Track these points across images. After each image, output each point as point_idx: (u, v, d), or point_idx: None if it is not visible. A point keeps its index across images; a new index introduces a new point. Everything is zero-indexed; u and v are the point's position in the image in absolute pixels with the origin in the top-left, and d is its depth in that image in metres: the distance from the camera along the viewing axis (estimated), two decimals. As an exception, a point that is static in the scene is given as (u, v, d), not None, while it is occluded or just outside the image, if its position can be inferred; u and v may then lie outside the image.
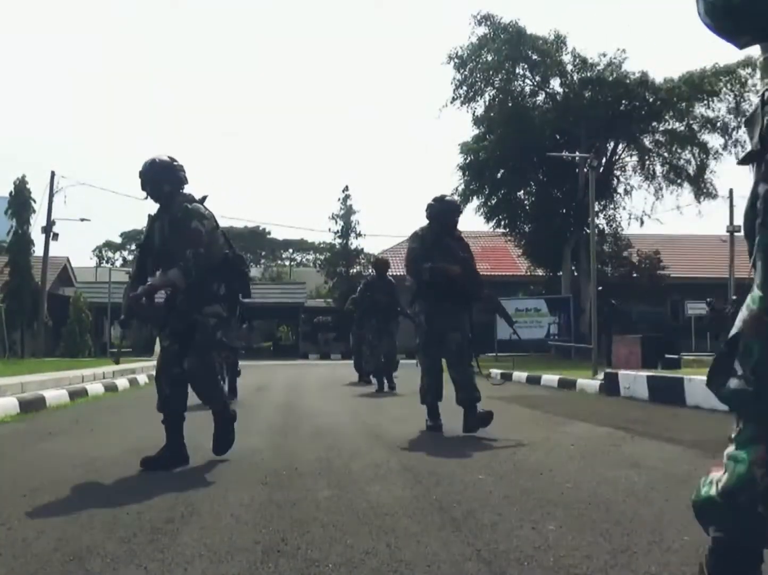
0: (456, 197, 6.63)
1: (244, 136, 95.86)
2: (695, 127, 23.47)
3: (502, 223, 25.49)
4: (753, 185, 1.63)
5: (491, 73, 23.48)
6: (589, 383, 10.02)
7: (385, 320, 10.29)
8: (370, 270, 33.45)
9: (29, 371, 11.24)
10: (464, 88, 23.78)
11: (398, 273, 21.13)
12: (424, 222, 5.83)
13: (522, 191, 25.44)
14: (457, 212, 5.82)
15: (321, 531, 2.60)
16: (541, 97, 24.80)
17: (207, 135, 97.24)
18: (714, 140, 23.47)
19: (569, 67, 23.56)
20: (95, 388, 9.79)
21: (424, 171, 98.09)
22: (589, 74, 23.21)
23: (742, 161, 1.66)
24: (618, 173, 25.18)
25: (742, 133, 22.81)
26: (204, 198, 4.38)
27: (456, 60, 23.53)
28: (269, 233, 58.50)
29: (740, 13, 1.51)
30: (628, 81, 22.64)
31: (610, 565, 2.19)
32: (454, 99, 23.88)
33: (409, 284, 5.77)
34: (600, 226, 24.44)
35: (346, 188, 35.32)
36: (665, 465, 3.94)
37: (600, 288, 17.49)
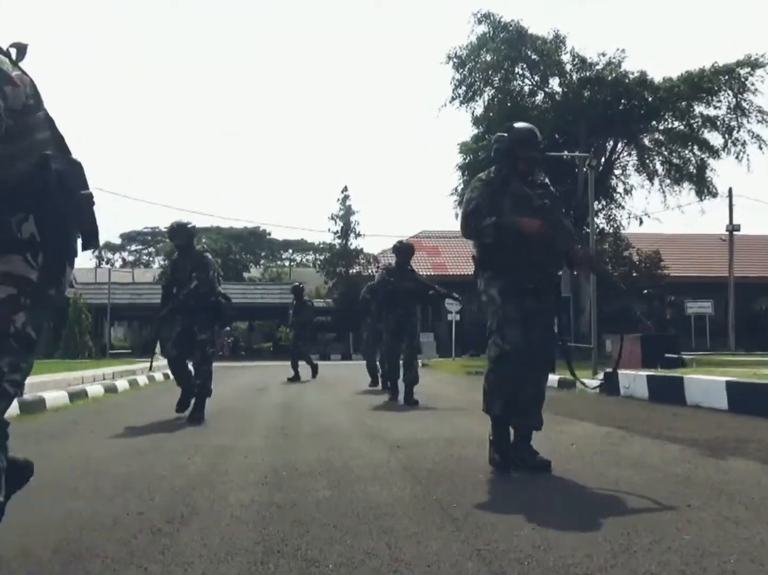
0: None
1: (244, 137, 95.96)
2: (695, 126, 23.48)
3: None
4: None
5: (490, 72, 23.48)
6: (589, 382, 10.00)
7: (407, 314, 8.50)
8: (372, 271, 33.56)
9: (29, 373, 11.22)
10: (463, 88, 23.79)
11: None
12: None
13: (521, 191, 25.41)
14: (534, 144, 4.01)
15: (321, 532, 2.60)
16: (540, 97, 24.80)
17: (207, 135, 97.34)
18: (714, 139, 23.49)
19: (568, 67, 23.57)
20: (95, 389, 9.78)
21: (424, 171, 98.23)
22: (588, 74, 23.22)
23: None
24: (618, 172, 25.20)
25: (743, 133, 22.86)
26: (22, 51, 2.21)
27: (455, 60, 23.55)
28: (269, 233, 58.58)
29: None
30: (627, 80, 22.65)
31: (610, 565, 2.19)
32: (453, 99, 23.91)
33: (473, 250, 4.13)
34: (600, 225, 24.46)
35: (346, 189, 35.41)
36: (665, 465, 3.94)
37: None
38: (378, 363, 10.63)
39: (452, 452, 4.45)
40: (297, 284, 15.27)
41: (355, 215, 35.26)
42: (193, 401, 6.67)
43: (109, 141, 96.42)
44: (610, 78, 22.67)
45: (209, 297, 6.65)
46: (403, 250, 8.74)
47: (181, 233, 6.80)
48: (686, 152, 24.16)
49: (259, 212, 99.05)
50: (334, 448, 4.65)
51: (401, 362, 8.43)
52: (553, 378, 11.24)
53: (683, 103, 22.86)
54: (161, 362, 17.97)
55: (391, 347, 8.62)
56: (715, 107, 22.86)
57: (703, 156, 23.77)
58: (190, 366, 6.89)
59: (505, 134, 4.06)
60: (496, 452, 3.85)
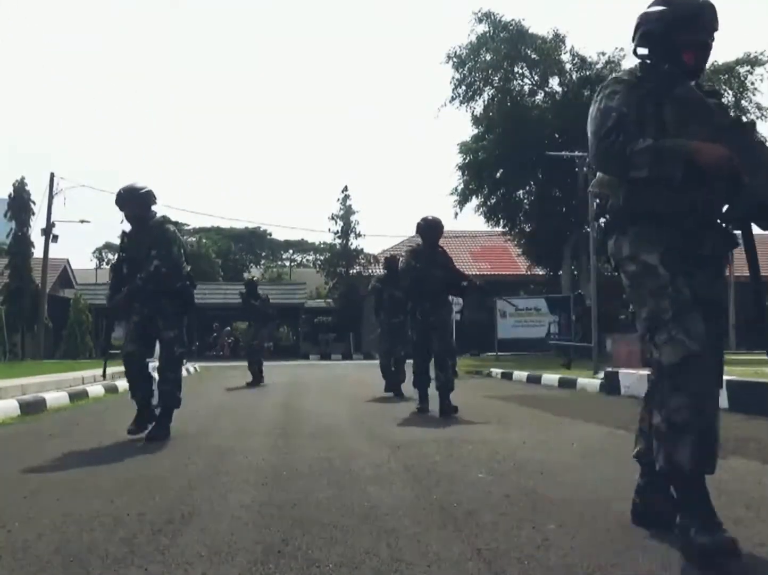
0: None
1: (244, 136, 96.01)
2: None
3: (501, 222, 25.52)
4: None
5: (490, 72, 23.53)
6: (589, 382, 10.01)
7: (437, 305, 6.90)
8: (371, 271, 33.49)
9: (30, 374, 11.24)
10: (463, 87, 23.84)
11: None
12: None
13: (521, 190, 25.46)
14: (708, 25, 2.52)
15: (321, 532, 2.60)
16: (539, 96, 24.84)
17: (207, 135, 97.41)
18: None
19: (568, 66, 23.62)
20: (96, 390, 9.78)
21: (424, 171, 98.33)
22: (587, 73, 23.27)
23: None
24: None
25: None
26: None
27: (455, 59, 23.60)
28: (270, 233, 58.62)
29: None
30: (627, 80, 22.69)
31: (611, 564, 2.19)
32: (453, 99, 23.97)
33: (597, 189, 2.66)
34: (601, 225, 24.45)
35: (346, 189, 35.44)
36: (666, 464, 3.93)
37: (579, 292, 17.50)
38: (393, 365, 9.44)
39: (453, 452, 4.44)
40: (251, 277, 14.44)
41: (355, 215, 35.32)
42: (156, 417, 5.28)
43: (108, 141, 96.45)
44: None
45: (174, 282, 5.24)
46: (430, 228, 7.04)
47: (131, 199, 5.27)
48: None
49: (260, 212, 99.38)
50: (334, 448, 4.64)
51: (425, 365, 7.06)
52: (553, 378, 11.24)
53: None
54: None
55: (420, 344, 6.99)
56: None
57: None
58: (153, 372, 5.50)
59: (661, 7, 2.52)
60: (707, 532, 2.16)
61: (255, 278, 13.57)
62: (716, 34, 2.54)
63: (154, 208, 5.47)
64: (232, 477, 3.72)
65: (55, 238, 26.46)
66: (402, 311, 8.47)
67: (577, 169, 23.47)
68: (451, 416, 6.42)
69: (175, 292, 5.27)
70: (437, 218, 7.18)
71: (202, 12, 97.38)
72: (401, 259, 7.40)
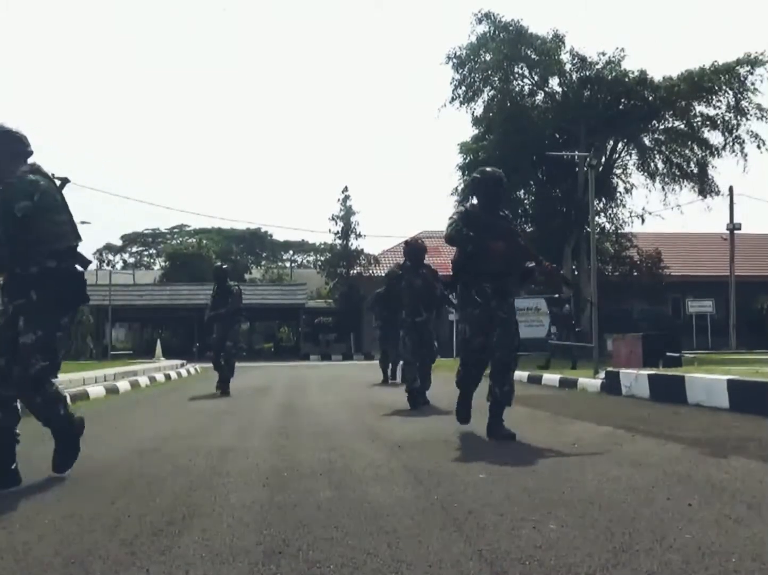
0: None
1: (245, 137, 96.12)
2: (695, 125, 23.50)
3: (502, 222, 25.49)
4: None
5: (490, 72, 23.51)
6: (590, 382, 10.00)
7: (501, 293, 5.08)
8: (372, 271, 33.49)
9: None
10: (463, 88, 23.84)
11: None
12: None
13: (522, 191, 25.44)
14: None
15: (322, 532, 2.60)
16: (539, 97, 24.84)
17: (207, 136, 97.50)
18: (714, 138, 23.53)
19: (568, 66, 23.60)
20: (96, 390, 9.79)
21: (424, 171, 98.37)
22: (587, 73, 23.26)
23: None
24: (618, 171, 25.21)
25: (742, 131, 22.86)
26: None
27: (455, 60, 23.59)
28: (270, 234, 58.71)
29: None
30: (627, 80, 22.69)
31: (611, 564, 2.19)
32: (453, 99, 23.96)
33: None
34: (601, 225, 24.48)
35: (346, 189, 35.47)
36: (667, 464, 3.93)
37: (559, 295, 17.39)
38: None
39: (453, 452, 4.44)
40: (219, 264, 11.92)
41: (355, 216, 35.40)
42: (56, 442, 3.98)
43: (108, 142, 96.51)
44: (609, 77, 22.71)
45: (34, 260, 3.56)
46: (487, 183, 5.23)
47: None
48: (687, 150, 24.19)
49: (260, 213, 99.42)
50: (335, 449, 4.64)
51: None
52: (553, 378, 11.24)
53: (683, 103, 22.88)
54: (159, 363, 17.88)
55: (474, 344, 5.18)
56: (715, 107, 22.89)
57: (704, 154, 23.81)
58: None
59: None
60: None
61: (225, 267, 11.15)
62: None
63: (30, 161, 3.73)
64: (233, 477, 3.72)
65: (56, 239, 26.45)
66: (425, 307, 7.68)
67: (576, 169, 23.51)
68: (505, 440, 4.88)
69: (38, 277, 3.57)
70: (500, 172, 5.21)
71: (203, 13, 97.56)
72: (449, 221, 5.15)
